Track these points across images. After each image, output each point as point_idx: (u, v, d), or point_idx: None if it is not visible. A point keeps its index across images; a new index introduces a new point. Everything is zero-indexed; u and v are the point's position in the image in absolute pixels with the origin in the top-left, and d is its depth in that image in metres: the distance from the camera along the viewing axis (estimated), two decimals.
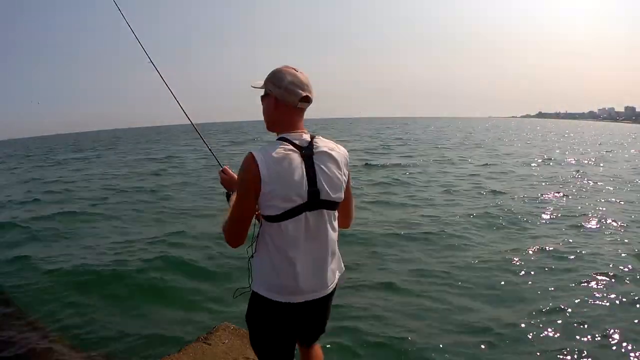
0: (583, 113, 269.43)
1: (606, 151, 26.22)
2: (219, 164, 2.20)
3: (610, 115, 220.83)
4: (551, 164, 18.99)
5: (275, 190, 1.58)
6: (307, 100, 1.69)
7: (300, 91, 1.66)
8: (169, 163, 22.50)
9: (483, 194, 11.60)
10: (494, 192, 11.70)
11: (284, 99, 1.67)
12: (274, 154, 1.59)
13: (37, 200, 12.67)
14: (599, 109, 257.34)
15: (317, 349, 2.09)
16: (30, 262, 6.90)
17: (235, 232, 1.69)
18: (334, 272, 1.80)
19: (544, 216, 8.99)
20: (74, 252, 7.40)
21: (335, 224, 1.76)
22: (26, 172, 22.54)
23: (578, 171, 16.04)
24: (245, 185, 1.61)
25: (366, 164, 18.17)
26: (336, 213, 1.76)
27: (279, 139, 1.68)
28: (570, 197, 11.09)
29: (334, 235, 1.75)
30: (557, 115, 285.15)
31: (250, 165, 1.58)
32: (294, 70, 1.69)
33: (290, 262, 1.65)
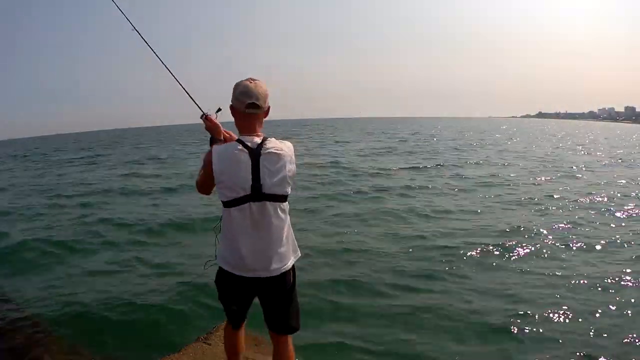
0: (583, 113, 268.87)
1: None
2: (201, 110, 2.37)
3: (610, 115, 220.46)
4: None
5: (223, 182, 1.97)
6: (254, 107, 1.98)
7: (246, 99, 1.97)
8: (168, 163, 22.53)
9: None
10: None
11: (236, 107, 2.02)
12: (226, 153, 1.98)
13: (34, 205, 12.68)
14: (599, 109, 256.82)
15: (289, 344, 2.23)
16: (29, 264, 6.92)
17: (200, 190, 2.18)
18: (284, 256, 2.06)
19: None
20: (73, 253, 7.43)
21: (283, 214, 2.04)
22: (26, 172, 22.55)
23: None
24: (205, 173, 2.05)
25: (413, 167, 17.16)
26: (283, 205, 2.03)
27: (236, 140, 2.02)
28: None
29: (279, 224, 2.03)
30: (557, 115, 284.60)
31: (208, 160, 2.01)
32: (248, 82, 1.99)
33: (237, 244, 2.00)
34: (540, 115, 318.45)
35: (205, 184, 2.11)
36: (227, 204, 1.99)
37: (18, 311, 5.22)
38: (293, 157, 2.04)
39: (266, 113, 2.07)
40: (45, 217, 10.46)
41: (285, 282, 2.10)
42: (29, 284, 6.04)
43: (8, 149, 59.91)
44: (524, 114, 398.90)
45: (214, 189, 2.10)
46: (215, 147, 2.03)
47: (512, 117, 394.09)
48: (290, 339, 2.25)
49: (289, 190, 2.03)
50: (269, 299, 2.14)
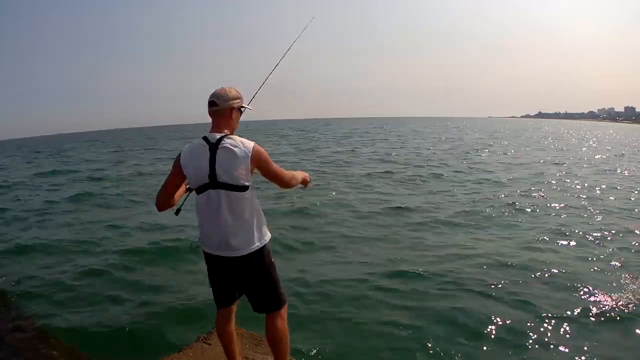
0: (583, 113, 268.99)
1: None
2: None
3: (610, 115, 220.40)
4: None
5: (189, 173, 2.29)
6: (212, 104, 2.31)
7: (209, 99, 2.31)
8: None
9: None
10: None
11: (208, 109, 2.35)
12: (191, 148, 2.30)
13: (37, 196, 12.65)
14: (599, 109, 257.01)
15: (274, 323, 2.39)
16: (30, 262, 6.91)
17: (158, 196, 2.39)
18: (245, 239, 2.27)
19: None
20: (73, 252, 7.41)
21: (243, 202, 2.25)
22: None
23: None
24: (170, 174, 2.35)
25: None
26: (243, 194, 2.25)
27: (202, 137, 2.30)
28: None
29: (237, 210, 2.25)
30: (557, 115, 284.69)
31: (177, 159, 2.33)
32: (220, 87, 2.34)
33: (203, 225, 2.33)
34: (540, 115, 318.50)
35: (164, 187, 2.37)
36: (196, 192, 2.32)
37: (17, 312, 5.22)
38: (249, 154, 2.23)
39: (232, 112, 2.33)
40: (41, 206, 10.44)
41: (250, 263, 2.31)
42: (28, 283, 6.04)
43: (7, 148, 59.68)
44: (524, 113, 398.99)
45: (173, 200, 2.40)
46: (184, 146, 2.36)
47: (512, 117, 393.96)
48: (274, 318, 2.39)
49: (243, 182, 2.24)
50: (239, 278, 2.37)
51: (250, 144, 2.27)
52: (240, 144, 2.26)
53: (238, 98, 2.36)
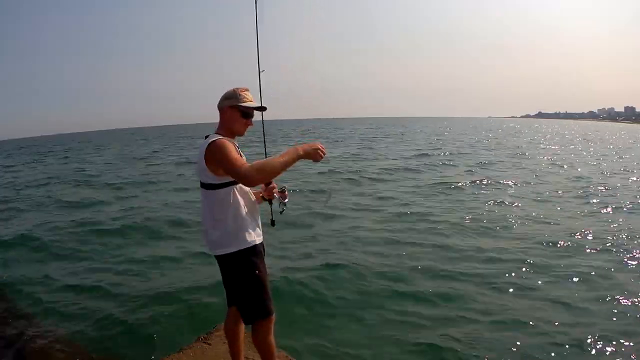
0: (583, 113, 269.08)
1: None
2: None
3: (610, 115, 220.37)
4: None
5: None
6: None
7: None
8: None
9: None
10: None
11: None
12: None
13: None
14: (599, 109, 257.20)
15: (257, 333, 2.32)
16: (32, 262, 6.91)
17: None
18: (216, 241, 2.23)
19: None
20: (75, 252, 7.42)
21: (211, 201, 2.22)
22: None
23: None
24: None
25: None
26: (211, 192, 2.20)
27: None
28: None
29: (209, 210, 2.24)
30: (557, 115, 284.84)
31: None
32: None
33: None
34: (540, 115, 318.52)
35: None
36: None
37: (17, 310, 5.22)
38: (205, 150, 2.14)
39: (224, 112, 2.29)
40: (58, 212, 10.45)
41: (226, 266, 2.28)
42: (27, 282, 6.04)
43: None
44: (524, 113, 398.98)
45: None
46: None
47: (512, 117, 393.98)
48: (257, 327, 2.30)
49: (207, 180, 2.20)
50: (224, 278, 2.36)
51: (209, 143, 2.13)
52: (205, 143, 2.17)
53: (231, 97, 2.26)
